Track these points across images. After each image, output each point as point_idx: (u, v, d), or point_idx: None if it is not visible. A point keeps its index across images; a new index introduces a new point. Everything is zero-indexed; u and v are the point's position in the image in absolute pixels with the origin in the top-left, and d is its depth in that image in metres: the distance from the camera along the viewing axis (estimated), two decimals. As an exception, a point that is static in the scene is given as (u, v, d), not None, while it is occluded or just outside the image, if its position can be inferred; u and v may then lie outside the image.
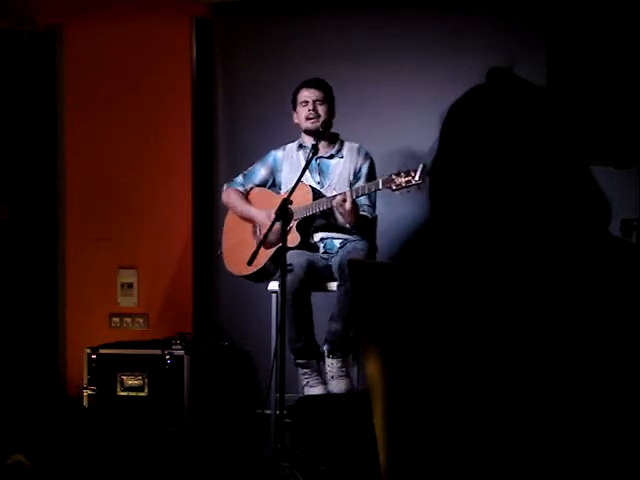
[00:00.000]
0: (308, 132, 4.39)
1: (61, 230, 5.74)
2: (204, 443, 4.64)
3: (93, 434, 3.49)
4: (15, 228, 5.80)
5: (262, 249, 4.10)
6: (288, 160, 4.46)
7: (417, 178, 3.94)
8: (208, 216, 5.48)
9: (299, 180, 4.05)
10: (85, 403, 4.76)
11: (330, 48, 5.21)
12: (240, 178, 4.59)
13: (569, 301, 1.15)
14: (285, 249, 3.87)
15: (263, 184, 4.55)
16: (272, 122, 5.26)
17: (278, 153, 4.52)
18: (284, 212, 3.86)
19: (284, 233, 3.86)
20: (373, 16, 5.20)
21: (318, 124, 4.34)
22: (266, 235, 4.02)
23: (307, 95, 4.37)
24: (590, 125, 4.05)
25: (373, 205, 4.38)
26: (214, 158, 5.49)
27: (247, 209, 4.51)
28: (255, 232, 4.48)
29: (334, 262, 4.24)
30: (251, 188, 4.56)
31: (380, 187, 4.08)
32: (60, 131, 5.74)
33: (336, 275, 4.19)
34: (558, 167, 1.24)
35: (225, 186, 4.63)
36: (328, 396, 4.14)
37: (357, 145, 4.43)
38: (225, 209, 4.71)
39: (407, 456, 1.29)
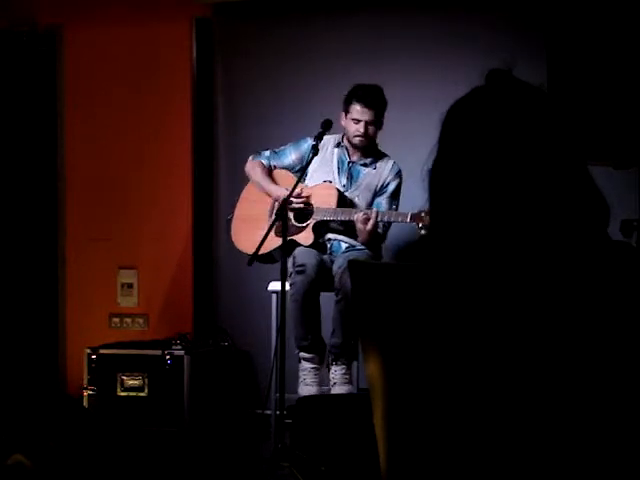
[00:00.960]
0: (351, 143, 4.38)
1: (61, 230, 5.74)
2: (204, 443, 4.64)
3: (93, 434, 3.49)
4: (15, 228, 5.80)
5: (273, 236, 4.07)
6: (321, 153, 4.33)
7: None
8: (208, 216, 5.48)
9: (300, 180, 4.06)
10: (85, 403, 4.76)
11: (330, 48, 5.21)
12: (268, 153, 4.50)
13: (568, 303, 1.15)
14: (285, 248, 3.88)
15: (290, 168, 4.47)
16: (272, 122, 5.26)
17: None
18: (283, 212, 3.86)
19: (284, 234, 3.86)
20: (373, 16, 5.20)
21: (365, 143, 4.32)
22: (267, 234, 4.01)
23: (360, 113, 4.27)
24: (590, 125, 4.05)
25: (388, 226, 4.32)
26: (214, 158, 5.48)
27: (268, 185, 4.42)
28: (270, 214, 4.40)
29: (334, 268, 4.20)
30: (275, 167, 4.50)
31: (408, 220, 4.03)
32: (60, 131, 5.74)
33: (335, 284, 4.15)
34: (557, 169, 1.25)
35: (251, 157, 4.55)
36: (328, 396, 4.14)
37: (392, 161, 4.39)
38: (232, 199, 4.67)
39: (407, 456, 1.29)
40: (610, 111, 4.16)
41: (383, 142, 4.54)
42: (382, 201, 4.35)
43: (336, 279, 4.12)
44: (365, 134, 4.29)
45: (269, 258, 4.34)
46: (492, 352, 1.18)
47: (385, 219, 4.14)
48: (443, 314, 1.21)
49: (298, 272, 4.04)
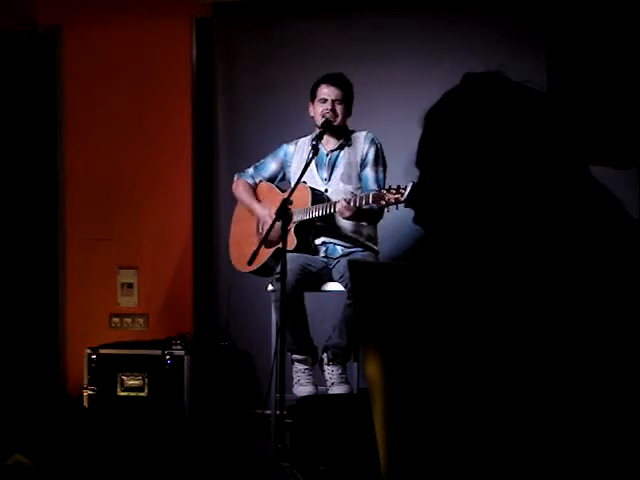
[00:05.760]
0: (322, 130, 4.36)
1: (61, 230, 5.74)
2: (204, 443, 4.64)
3: (93, 434, 3.49)
4: (16, 228, 5.80)
5: (263, 248, 4.11)
6: (299, 155, 4.38)
7: (405, 196, 3.86)
8: (208, 216, 5.48)
9: (299, 181, 4.04)
10: (85, 403, 4.76)
11: (330, 48, 5.21)
12: (251, 170, 4.53)
13: (570, 302, 1.15)
14: (285, 250, 3.87)
15: (273, 178, 4.50)
16: (272, 122, 5.26)
17: (290, 147, 4.45)
18: (284, 212, 3.86)
19: (284, 234, 3.85)
20: (373, 16, 5.20)
21: (335, 121, 4.28)
22: (267, 235, 4.01)
23: (327, 93, 4.27)
24: (590, 125, 4.05)
25: (383, 181, 4.28)
26: (214, 158, 5.49)
27: (251, 204, 4.47)
28: (258, 229, 4.46)
29: (339, 271, 4.19)
30: (260, 181, 4.53)
31: (370, 201, 4.02)
32: (60, 131, 5.74)
33: (344, 287, 4.14)
34: (554, 169, 1.25)
35: (236, 176, 4.58)
36: (328, 396, 4.14)
37: (365, 132, 4.36)
38: (232, 200, 4.69)
39: (407, 456, 1.29)
40: (610, 111, 4.16)
41: (383, 142, 4.53)
42: (367, 173, 4.30)
43: (345, 282, 4.11)
44: (334, 112, 4.26)
45: (266, 269, 4.36)
46: (493, 352, 1.18)
47: (358, 203, 4.03)
48: (444, 314, 1.21)
49: (277, 279, 4.02)
